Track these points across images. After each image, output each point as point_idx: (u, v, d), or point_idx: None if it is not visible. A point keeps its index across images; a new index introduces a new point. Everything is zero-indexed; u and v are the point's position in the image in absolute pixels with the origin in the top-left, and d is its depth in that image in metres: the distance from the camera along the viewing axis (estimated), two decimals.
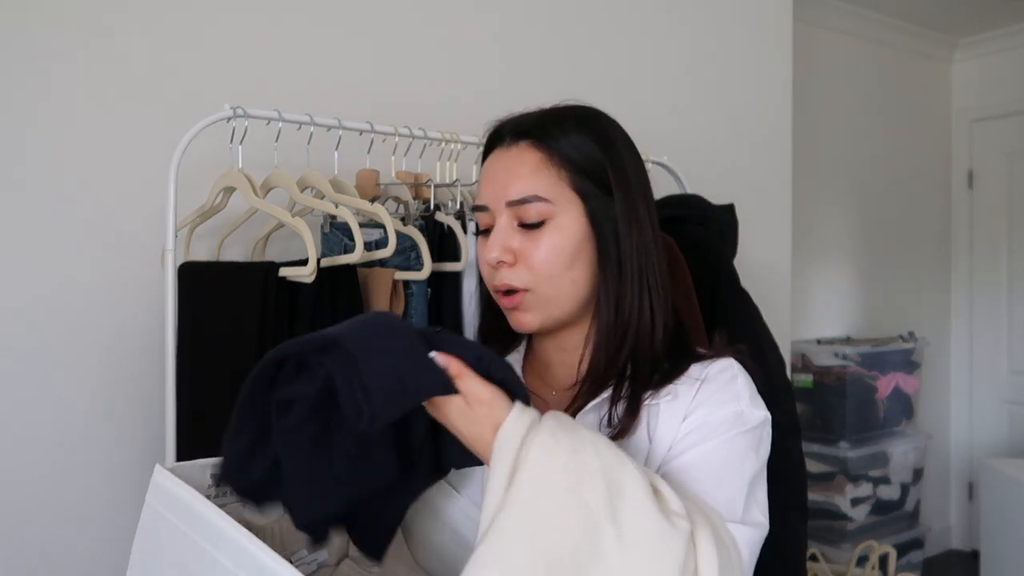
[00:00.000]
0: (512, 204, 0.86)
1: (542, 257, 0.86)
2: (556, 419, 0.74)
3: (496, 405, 0.73)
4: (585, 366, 0.90)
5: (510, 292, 0.88)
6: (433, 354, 0.73)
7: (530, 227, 0.86)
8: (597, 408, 0.89)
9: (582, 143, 0.88)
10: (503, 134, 0.91)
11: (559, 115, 0.91)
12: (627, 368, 0.88)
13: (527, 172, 0.86)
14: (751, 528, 0.80)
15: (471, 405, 0.73)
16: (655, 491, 0.72)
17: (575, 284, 0.88)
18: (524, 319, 0.89)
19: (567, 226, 0.86)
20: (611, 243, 0.87)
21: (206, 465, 0.80)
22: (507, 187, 0.87)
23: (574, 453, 0.70)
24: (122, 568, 1.58)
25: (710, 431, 0.84)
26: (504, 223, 0.87)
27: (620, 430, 0.86)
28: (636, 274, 0.88)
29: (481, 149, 0.96)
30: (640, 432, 0.88)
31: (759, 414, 0.87)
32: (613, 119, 0.94)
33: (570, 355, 0.93)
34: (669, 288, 0.91)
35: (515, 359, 0.99)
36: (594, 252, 0.88)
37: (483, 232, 0.91)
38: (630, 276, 0.88)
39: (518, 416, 0.73)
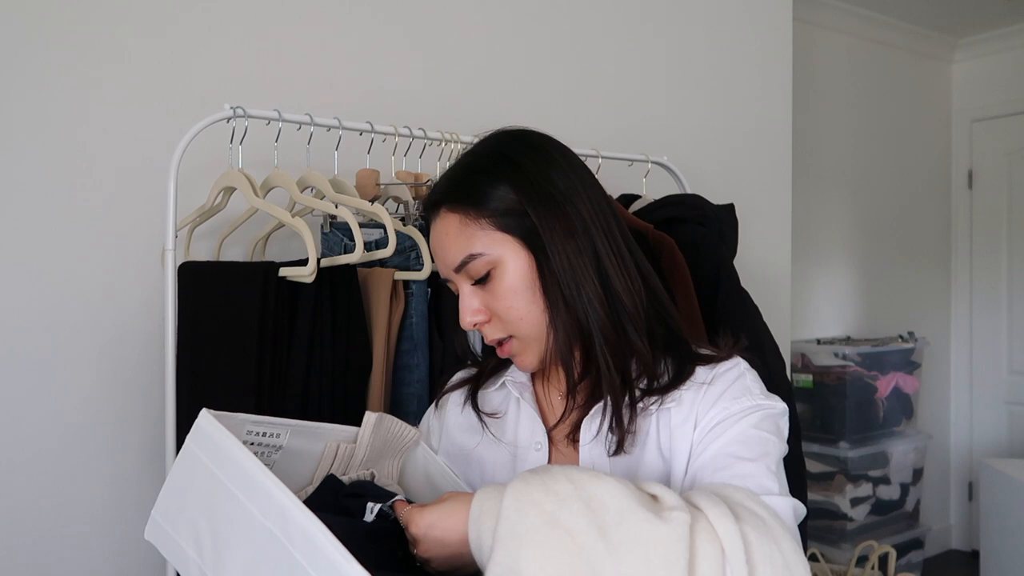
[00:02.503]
0: (457, 270, 0.89)
1: (504, 305, 0.88)
2: (529, 471, 0.74)
3: (442, 513, 0.76)
4: (565, 380, 0.92)
5: (500, 344, 0.91)
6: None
7: (483, 282, 0.89)
8: (596, 418, 0.89)
9: (488, 185, 0.88)
10: (428, 210, 0.94)
11: (462, 168, 0.93)
12: (612, 380, 0.88)
13: (453, 236, 0.89)
14: (787, 498, 0.80)
15: (429, 536, 0.76)
16: (651, 496, 0.71)
17: (546, 313, 0.88)
18: (523, 362, 0.92)
19: (511, 266, 0.87)
20: (547, 266, 0.87)
21: (245, 419, 0.82)
22: (445, 257, 0.90)
23: (545, 488, 0.70)
24: (123, 566, 1.59)
25: (729, 424, 0.84)
26: (463, 289, 0.90)
27: (618, 442, 0.86)
28: (568, 289, 0.86)
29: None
30: (650, 447, 0.88)
31: (776, 404, 0.88)
32: (521, 134, 0.94)
33: (559, 368, 0.94)
34: (628, 289, 0.89)
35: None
36: (540, 279, 0.88)
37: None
38: (561, 293, 0.86)
39: (481, 494, 0.74)
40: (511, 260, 0.87)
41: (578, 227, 0.87)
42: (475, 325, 0.91)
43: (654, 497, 0.71)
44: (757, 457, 0.81)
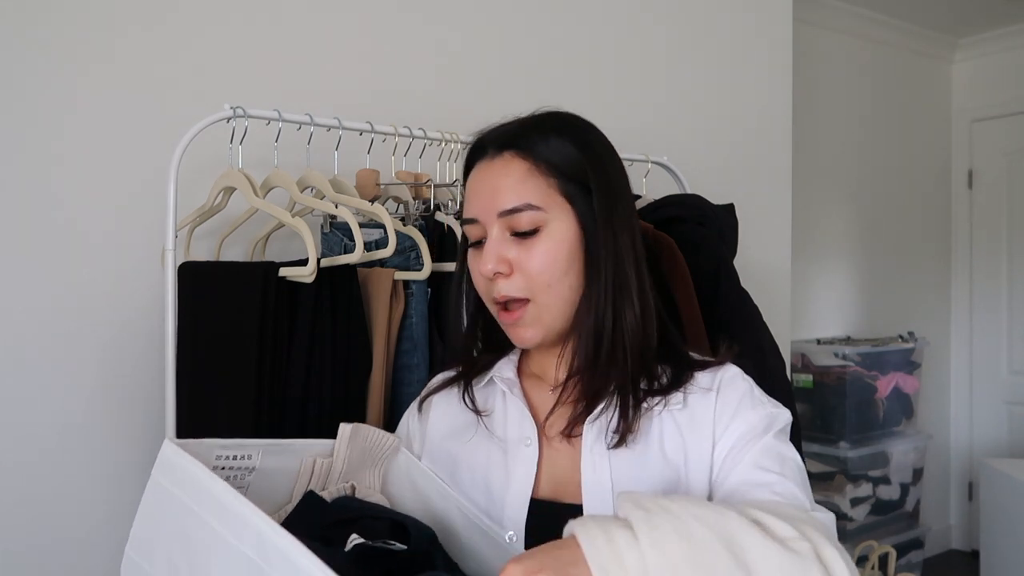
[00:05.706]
0: (504, 214, 0.86)
1: (538, 266, 0.86)
2: (633, 505, 0.68)
3: (552, 556, 0.65)
4: (566, 369, 0.91)
5: (509, 307, 0.88)
6: None
7: (523, 236, 0.86)
8: (601, 412, 0.89)
9: (563, 148, 0.88)
10: (485, 147, 0.91)
11: (538, 123, 0.91)
12: (623, 374, 0.88)
13: (515, 182, 0.87)
14: (827, 512, 0.81)
15: None
16: (757, 524, 0.69)
17: (572, 290, 0.88)
18: (525, 334, 0.89)
19: (560, 232, 0.86)
20: (595, 246, 0.87)
21: (213, 444, 0.81)
22: (496, 198, 0.87)
23: (681, 536, 0.65)
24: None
25: (753, 436, 0.85)
26: (496, 234, 0.87)
27: (619, 439, 0.86)
28: (611, 275, 0.87)
29: (461, 161, 0.97)
30: (652, 447, 0.88)
31: (785, 413, 0.89)
32: (590, 123, 0.94)
33: (562, 356, 0.94)
34: (650, 290, 0.90)
35: (511, 362, 0.99)
36: (584, 256, 0.88)
37: (473, 244, 0.91)
38: (604, 277, 0.87)
39: (592, 539, 0.65)
40: (561, 226, 0.87)
41: (626, 219, 0.89)
42: (495, 275, 0.87)
43: (758, 523, 0.69)
44: (789, 474, 0.82)
